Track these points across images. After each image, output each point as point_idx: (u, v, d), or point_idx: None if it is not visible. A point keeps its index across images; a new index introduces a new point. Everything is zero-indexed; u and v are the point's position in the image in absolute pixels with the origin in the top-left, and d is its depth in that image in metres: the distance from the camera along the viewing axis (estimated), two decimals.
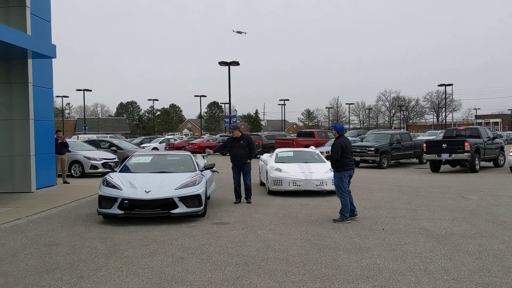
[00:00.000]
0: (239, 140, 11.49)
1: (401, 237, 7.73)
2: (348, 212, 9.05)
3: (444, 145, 19.98)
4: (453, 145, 19.81)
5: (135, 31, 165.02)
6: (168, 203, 8.91)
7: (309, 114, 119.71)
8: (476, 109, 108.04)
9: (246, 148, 11.41)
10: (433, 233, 8.00)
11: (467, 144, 19.45)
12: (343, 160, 9.15)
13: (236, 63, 41.61)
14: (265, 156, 15.30)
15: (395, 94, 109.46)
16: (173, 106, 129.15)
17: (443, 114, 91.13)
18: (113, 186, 9.11)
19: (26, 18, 13.66)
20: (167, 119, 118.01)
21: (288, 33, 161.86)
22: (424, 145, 21.35)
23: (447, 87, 62.63)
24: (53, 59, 14.97)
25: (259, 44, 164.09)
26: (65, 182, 16.21)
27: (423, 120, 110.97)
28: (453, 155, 19.64)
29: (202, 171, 10.47)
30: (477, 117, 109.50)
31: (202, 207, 9.26)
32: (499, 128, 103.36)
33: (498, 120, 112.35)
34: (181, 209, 8.96)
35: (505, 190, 13.80)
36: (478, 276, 5.61)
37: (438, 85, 63.88)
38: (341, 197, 9.13)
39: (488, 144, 21.30)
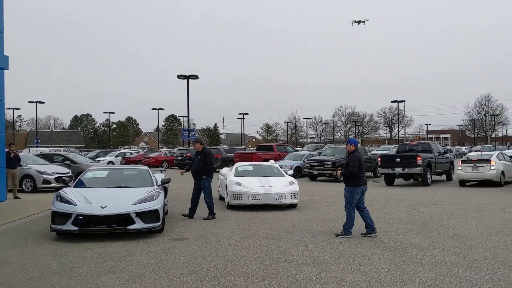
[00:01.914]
0: (198, 154, 11.42)
1: (358, 249, 7.88)
2: (351, 227, 8.98)
3: (398, 160, 20.59)
4: (406, 160, 20.45)
5: (91, 43, 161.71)
6: (124, 218, 8.71)
7: (268, 128, 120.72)
8: (427, 124, 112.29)
9: (202, 163, 11.24)
10: (388, 245, 8.21)
11: (419, 158, 20.15)
12: (358, 175, 9.01)
13: (195, 77, 41.49)
14: (224, 170, 15.26)
15: (350, 109, 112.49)
16: (129, 119, 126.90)
17: (396, 129, 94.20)
18: (67, 202, 8.82)
19: None
20: (123, 132, 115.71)
21: (248, 47, 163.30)
22: (379, 159, 21.94)
23: (399, 103, 64.78)
24: (5, 71, 14.43)
25: (219, 57, 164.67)
26: (16, 197, 15.56)
27: (377, 135, 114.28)
28: (406, 169, 20.27)
29: (159, 186, 10.32)
30: (428, 132, 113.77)
31: (159, 223, 9.11)
32: (449, 143, 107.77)
33: (448, 135, 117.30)
34: (138, 224, 8.78)
35: (455, 203, 14.35)
36: (431, 287, 5.79)
37: (391, 102, 66.10)
38: (348, 211, 9.00)
39: (439, 158, 22.15)
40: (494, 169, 19.22)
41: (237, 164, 15.20)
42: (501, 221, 10.59)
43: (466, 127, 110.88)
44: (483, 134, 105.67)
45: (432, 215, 11.75)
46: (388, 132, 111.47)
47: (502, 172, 19.59)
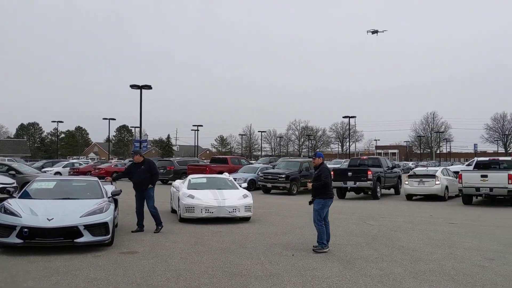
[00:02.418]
0: (140, 166, 11.18)
1: (310, 262, 7.98)
2: (325, 239, 8.91)
3: (349, 174, 21.12)
4: (357, 174, 21.03)
5: (39, 50, 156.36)
6: (72, 231, 8.42)
7: (222, 141, 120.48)
8: (376, 140, 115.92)
9: (148, 173, 11.09)
10: (339, 258, 8.36)
11: (370, 173, 20.79)
12: (330, 186, 9.09)
13: (148, 87, 40.81)
14: (177, 183, 15.09)
15: (304, 124, 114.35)
16: (79, 128, 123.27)
17: (347, 143, 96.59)
18: (12, 213, 8.43)
19: None
20: (72, 142, 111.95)
21: (201, 58, 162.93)
22: (332, 173, 22.34)
23: (350, 119, 66.51)
24: None
25: (172, 68, 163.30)
26: None
27: (329, 149, 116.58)
28: (358, 183, 20.83)
29: (109, 197, 10.06)
30: (377, 147, 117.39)
31: (109, 236, 8.86)
32: (397, 159, 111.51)
33: (396, 151, 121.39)
34: (87, 237, 8.50)
35: (402, 216, 14.84)
36: None
37: (343, 117, 67.65)
38: (318, 224, 8.91)
39: (388, 173, 22.90)
40: (439, 184, 20.05)
41: (190, 176, 15.06)
42: (444, 234, 11.04)
43: (412, 143, 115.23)
44: (429, 150, 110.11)
45: (381, 228, 12.09)
46: (339, 147, 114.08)
47: (446, 187, 20.46)
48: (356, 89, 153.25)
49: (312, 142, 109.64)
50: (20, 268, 7.22)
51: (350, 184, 20.97)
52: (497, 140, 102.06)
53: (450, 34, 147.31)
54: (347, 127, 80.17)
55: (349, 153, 77.03)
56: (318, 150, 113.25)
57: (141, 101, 41.37)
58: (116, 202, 10.88)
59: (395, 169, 24.65)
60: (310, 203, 9.16)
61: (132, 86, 41.45)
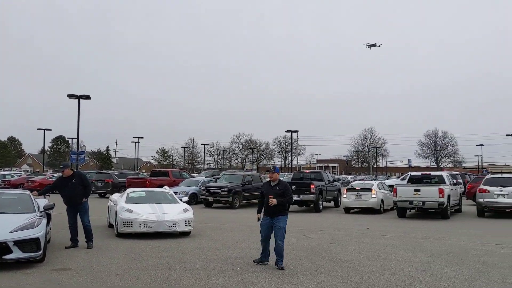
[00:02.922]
0: (70, 179, 10.73)
1: (249, 276, 7.97)
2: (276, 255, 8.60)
3: (293, 187, 21.38)
4: (301, 187, 21.52)
5: None
6: (0, 247, 7.93)
7: (164, 153, 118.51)
8: (317, 154, 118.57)
9: (80, 186, 10.71)
10: (278, 272, 8.40)
11: (313, 186, 21.38)
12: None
13: (87, 97, 39.53)
14: (115, 196, 14.63)
15: (247, 137, 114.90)
16: (11, 139, 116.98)
17: (290, 157, 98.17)
18: None
19: None
20: (4, 153, 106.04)
21: (142, 68, 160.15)
22: None
23: (293, 133, 67.75)
24: None
25: (112, 79, 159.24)
26: None
27: (272, 163, 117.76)
28: (301, 196, 21.26)
29: (42, 212, 9.58)
30: (318, 161, 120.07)
31: (40, 252, 8.43)
32: (337, 172, 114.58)
33: (336, 165, 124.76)
34: (16, 254, 8.05)
35: (341, 229, 15.21)
36: None
37: (286, 131, 68.80)
38: (283, 242, 8.55)
39: (329, 186, 23.50)
40: (375, 197, 20.77)
41: (128, 190, 14.67)
42: (380, 247, 11.42)
43: (351, 158, 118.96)
44: (367, 164, 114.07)
45: (320, 241, 12.32)
46: (282, 160, 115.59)
47: (382, 201, 21.22)
48: (299, 102, 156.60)
49: (256, 156, 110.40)
50: None
51: (293, 197, 21.20)
52: (429, 156, 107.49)
53: (389, 53, 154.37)
54: (290, 141, 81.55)
55: (291, 166, 78.23)
56: (261, 163, 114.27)
57: (79, 111, 39.96)
58: (49, 216, 10.38)
59: (336, 183, 25.34)
60: (259, 219, 8.86)
61: (70, 96, 40.02)
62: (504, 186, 18.95)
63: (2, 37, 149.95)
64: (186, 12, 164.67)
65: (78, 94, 40.13)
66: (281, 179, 8.97)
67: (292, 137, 71.01)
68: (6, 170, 65.26)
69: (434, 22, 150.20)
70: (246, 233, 13.66)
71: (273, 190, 8.62)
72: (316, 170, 32.49)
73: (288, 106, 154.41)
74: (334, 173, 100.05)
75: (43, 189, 11.40)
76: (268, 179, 9.08)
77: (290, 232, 14.00)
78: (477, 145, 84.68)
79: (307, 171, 27.49)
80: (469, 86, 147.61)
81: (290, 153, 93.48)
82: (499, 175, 21.28)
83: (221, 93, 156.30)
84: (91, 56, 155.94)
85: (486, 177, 21.55)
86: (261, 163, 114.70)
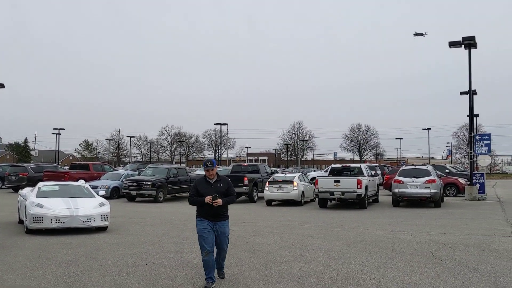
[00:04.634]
0: None
1: (163, 271, 7.77)
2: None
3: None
4: (234, 180, 21.80)
5: None
6: None
7: (88, 146, 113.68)
8: (247, 147, 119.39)
9: None
10: (194, 265, 8.27)
11: (246, 179, 22.59)
12: None
13: (1, 85, 36.96)
14: (25, 191, 13.75)
15: (176, 129, 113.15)
16: None
17: (220, 150, 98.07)
18: None
19: None
20: None
21: (64, 59, 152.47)
22: None
23: (222, 126, 67.73)
24: None
25: (33, 63, 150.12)
26: None
27: (202, 156, 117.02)
28: (235, 188, 21.52)
29: None
30: (248, 154, 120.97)
31: None
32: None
33: (265, 157, 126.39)
34: None
35: (263, 220, 15.35)
36: None
37: (215, 124, 68.63)
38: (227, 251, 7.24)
39: (266, 178, 23.95)
40: (296, 189, 21.15)
41: (40, 183, 13.82)
42: (298, 237, 11.63)
43: (281, 151, 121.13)
44: (295, 157, 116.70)
45: (241, 233, 12.32)
46: (212, 153, 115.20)
47: (303, 193, 21.68)
48: (228, 95, 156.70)
49: (185, 149, 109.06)
50: None
51: None
52: (353, 149, 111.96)
53: (319, 49, 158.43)
54: (219, 134, 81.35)
55: (221, 160, 78.15)
56: (191, 156, 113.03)
57: None
58: None
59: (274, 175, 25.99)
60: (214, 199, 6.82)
61: None
62: (417, 177, 20.09)
63: None
64: None
65: None
66: (219, 173, 7.31)
67: (222, 130, 70.97)
68: None
69: (358, 14, 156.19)
70: (167, 227, 13.38)
71: (214, 188, 6.91)
72: (254, 163, 34.30)
73: (217, 100, 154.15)
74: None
75: None
76: (202, 175, 7.26)
77: None
78: (396, 138, 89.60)
79: (245, 164, 29.36)
80: (392, 83, 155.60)
81: (220, 146, 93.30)
82: (413, 167, 22.52)
83: (152, 81, 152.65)
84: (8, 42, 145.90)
85: (401, 168, 22.75)
86: (190, 156, 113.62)
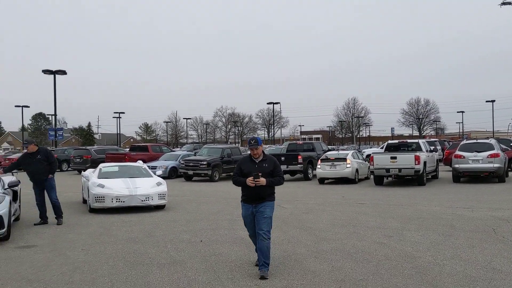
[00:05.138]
0: (35, 155, 10.44)
1: (217, 247, 7.94)
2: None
3: (282, 158, 22.52)
4: (289, 158, 22.81)
5: None
6: None
7: (147, 128, 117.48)
8: (300, 125, 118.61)
9: (45, 162, 10.45)
10: (247, 241, 8.32)
11: (300, 157, 22.61)
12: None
13: (62, 72, 38.74)
14: (87, 172, 14.44)
15: (230, 110, 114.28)
16: None
17: (273, 130, 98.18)
18: None
19: None
20: None
21: (122, 45, 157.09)
22: None
23: (275, 105, 67.57)
24: None
25: (93, 54, 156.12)
26: None
27: (256, 135, 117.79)
28: (289, 167, 22.64)
29: (6, 189, 9.36)
30: (301, 133, 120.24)
31: (4, 230, 8.27)
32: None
33: (319, 136, 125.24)
34: None
35: (316, 198, 15.28)
36: (278, 280, 6.02)
37: (267, 103, 68.56)
38: (270, 237, 6.36)
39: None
40: (350, 167, 20.74)
41: (101, 165, 14.46)
42: (352, 214, 11.49)
43: (335, 128, 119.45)
44: (350, 134, 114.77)
45: (294, 210, 12.34)
46: (266, 133, 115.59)
47: (357, 170, 21.27)
48: (281, 75, 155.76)
49: (239, 129, 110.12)
50: None
51: (283, 167, 22.00)
52: (412, 124, 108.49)
53: (370, 21, 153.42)
54: (273, 113, 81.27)
55: (273, 139, 78.26)
56: (245, 136, 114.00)
57: (55, 87, 39.27)
58: (15, 194, 10.19)
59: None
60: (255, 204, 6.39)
61: (45, 71, 39.22)
62: (479, 152, 19.19)
63: None
64: None
65: (54, 70, 39.30)
66: (266, 153, 6.74)
67: (274, 109, 70.87)
68: None
69: None
70: (222, 205, 13.63)
71: (259, 168, 6.38)
72: (309, 141, 35.12)
73: (271, 78, 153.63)
74: None
75: (8, 166, 11.13)
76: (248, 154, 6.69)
77: None
78: (458, 112, 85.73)
79: (300, 142, 29.64)
80: (450, 52, 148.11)
81: (273, 125, 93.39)
82: (474, 141, 21.48)
83: (202, 67, 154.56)
84: (68, 33, 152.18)
85: (462, 143, 21.77)
86: (244, 136, 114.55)
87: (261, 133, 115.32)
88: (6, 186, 9.55)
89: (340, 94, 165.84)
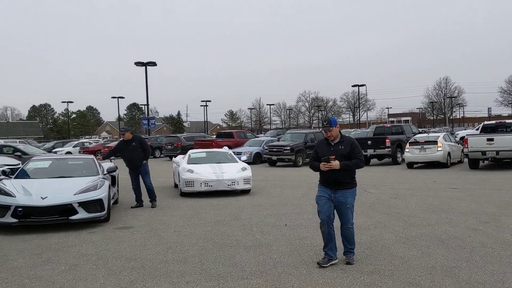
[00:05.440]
0: (130, 143, 11.14)
1: (301, 231, 7.98)
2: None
3: (369, 142, 22.10)
4: (376, 142, 22.24)
5: (46, 31, 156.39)
6: (67, 209, 8.51)
7: (232, 115, 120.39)
8: (388, 108, 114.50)
9: (140, 149, 11.12)
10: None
11: (388, 140, 21.92)
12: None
13: (153, 64, 40.76)
14: (178, 158, 15.15)
15: (314, 95, 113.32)
16: (90, 108, 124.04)
17: (358, 113, 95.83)
18: (6, 194, 8.54)
19: None
20: (84, 122, 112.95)
21: (208, 37, 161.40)
22: None
23: (360, 87, 65.80)
24: None
25: (178, 46, 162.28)
26: None
27: (340, 120, 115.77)
28: (377, 151, 22.08)
29: (105, 174, 10.13)
30: (389, 115, 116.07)
31: (104, 212, 8.96)
32: None
33: (409, 118, 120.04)
34: (81, 214, 8.60)
35: (404, 183, 14.74)
36: (365, 265, 5.93)
37: (352, 86, 66.93)
38: (353, 226, 6.12)
39: None
40: (441, 150, 19.62)
41: (190, 151, 15.10)
42: (443, 199, 10.94)
43: (425, 110, 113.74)
44: (442, 116, 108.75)
45: (380, 196, 12.02)
46: (351, 116, 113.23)
47: (449, 153, 20.08)
48: (364, 55, 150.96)
49: (323, 113, 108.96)
50: (14, 247, 7.34)
51: (370, 152, 21.97)
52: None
53: None
54: (357, 96, 79.27)
55: (359, 122, 76.43)
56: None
57: (146, 78, 41.42)
58: (114, 178, 10.98)
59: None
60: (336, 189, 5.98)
61: (137, 63, 41.44)
62: None
63: (66, 19, 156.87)
64: None
65: (145, 61, 41.43)
66: (344, 134, 6.43)
67: (359, 91, 69.04)
68: (86, 138, 69.61)
69: None
70: (305, 190, 13.64)
71: (334, 150, 5.93)
72: (398, 124, 33.80)
73: (354, 60, 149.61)
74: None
75: (106, 153, 12.01)
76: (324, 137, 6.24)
77: None
78: None
79: (388, 125, 28.74)
80: None
81: (358, 108, 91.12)
82: None
83: (284, 52, 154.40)
84: (157, 26, 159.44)
85: None
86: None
87: (346, 117, 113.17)
88: (105, 172, 10.34)
89: (428, 69, 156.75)
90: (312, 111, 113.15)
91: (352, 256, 6.05)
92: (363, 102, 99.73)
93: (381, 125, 30.18)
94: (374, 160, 23.53)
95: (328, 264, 5.87)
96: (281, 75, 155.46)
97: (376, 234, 7.62)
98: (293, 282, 5.34)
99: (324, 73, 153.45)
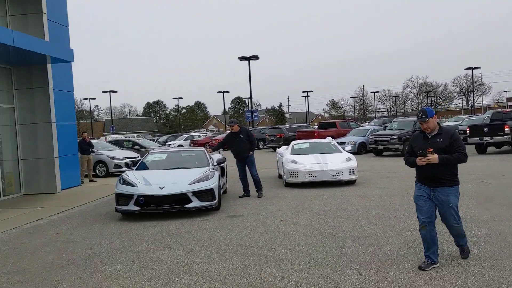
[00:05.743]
0: (238, 135, 11.53)
1: (412, 223, 7.70)
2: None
3: (485, 129, 20.71)
4: (493, 129, 20.60)
5: (156, 35, 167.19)
6: (182, 198, 9.13)
7: (334, 105, 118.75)
8: (506, 91, 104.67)
9: (246, 141, 11.47)
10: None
11: (507, 127, 20.27)
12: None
13: (255, 57, 41.68)
14: (281, 149, 15.40)
15: (422, 80, 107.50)
16: (198, 103, 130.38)
17: (472, 98, 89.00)
18: (129, 184, 9.39)
19: (44, 25, 14.08)
20: (193, 117, 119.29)
21: (306, 28, 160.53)
22: (467, 129, 21.90)
23: (474, 70, 61.08)
24: (72, 63, 15.38)
25: (280, 39, 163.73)
26: (91, 181, 17.04)
27: (452, 106, 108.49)
28: (494, 138, 20.49)
29: (215, 166, 10.66)
30: (507, 99, 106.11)
31: (215, 201, 9.45)
32: None
33: None
34: (195, 203, 9.17)
35: None
36: (483, 259, 5.60)
37: (465, 69, 62.36)
38: (461, 223, 5.62)
39: None
40: None
41: (293, 142, 15.26)
42: None
43: None
44: None
45: (498, 187, 11.16)
46: (464, 102, 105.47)
47: None
48: (482, 39, 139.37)
49: (432, 99, 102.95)
50: (137, 233, 8.06)
51: (486, 139, 20.63)
52: None
53: None
54: (471, 80, 73.66)
55: (473, 108, 71.04)
56: (440, 107, 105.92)
57: (250, 72, 42.48)
58: (222, 169, 11.51)
59: None
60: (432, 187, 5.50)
61: (240, 58, 42.67)
62: None
63: (171, 20, 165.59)
64: None
65: (248, 56, 42.53)
66: (444, 125, 5.96)
67: (473, 74, 64.06)
68: (195, 131, 73.42)
69: None
70: (413, 181, 13.04)
71: (431, 144, 5.40)
72: None
73: (467, 40, 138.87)
74: None
75: (215, 146, 12.61)
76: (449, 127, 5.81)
77: (464, 178, 12.88)
78: None
79: (507, 110, 26.50)
80: None
81: (472, 93, 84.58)
82: None
83: (385, 36, 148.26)
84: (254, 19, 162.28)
85: None
86: (439, 107, 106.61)
87: (458, 103, 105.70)
88: (215, 163, 10.88)
89: None
90: (421, 97, 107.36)
91: (465, 246, 5.69)
92: (478, 86, 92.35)
93: (499, 110, 27.71)
94: (491, 149, 21.92)
95: (430, 268, 5.34)
96: (386, 59, 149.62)
97: (494, 227, 7.12)
98: (404, 275, 5.21)
99: (433, 52, 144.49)
